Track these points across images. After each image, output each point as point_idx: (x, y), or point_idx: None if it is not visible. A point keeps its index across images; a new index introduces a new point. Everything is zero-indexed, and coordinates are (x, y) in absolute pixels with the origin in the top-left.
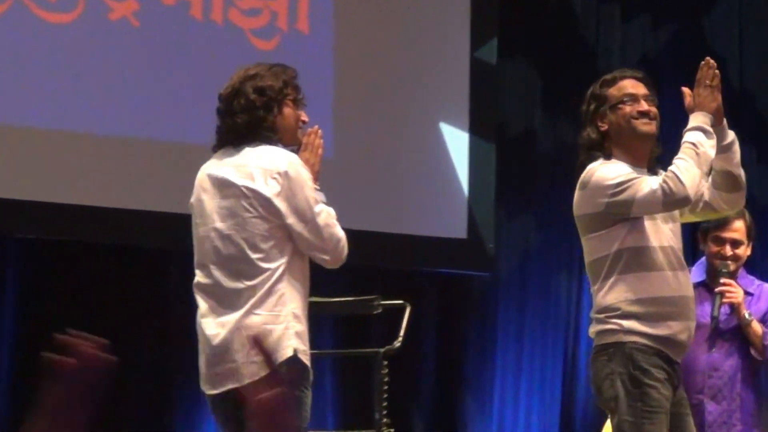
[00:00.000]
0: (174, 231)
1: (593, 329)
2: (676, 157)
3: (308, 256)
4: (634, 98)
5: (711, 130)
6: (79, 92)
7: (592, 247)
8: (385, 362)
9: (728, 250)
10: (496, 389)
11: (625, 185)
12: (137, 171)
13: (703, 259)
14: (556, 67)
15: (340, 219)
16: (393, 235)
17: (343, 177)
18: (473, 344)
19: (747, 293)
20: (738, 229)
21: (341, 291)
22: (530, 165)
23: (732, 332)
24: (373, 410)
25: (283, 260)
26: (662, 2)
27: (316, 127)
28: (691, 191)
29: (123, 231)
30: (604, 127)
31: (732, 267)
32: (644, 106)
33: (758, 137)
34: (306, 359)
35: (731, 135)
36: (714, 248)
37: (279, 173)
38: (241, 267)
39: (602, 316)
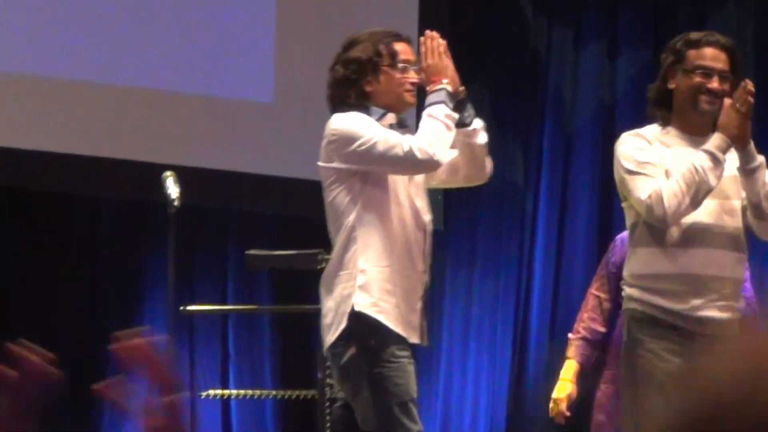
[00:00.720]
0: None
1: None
2: (675, 175)
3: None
4: (707, 72)
5: (722, 157)
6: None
7: (626, 213)
8: None
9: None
10: (443, 349)
11: (632, 174)
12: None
13: None
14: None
15: (280, 166)
16: None
17: (284, 123)
18: None
19: None
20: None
21: (280, 244)
22: None
23: None
24: (314, 369)
25: (350, 218)
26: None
27: (432, 33)
28: (670, 216)
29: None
30: (672, 85)
31: None
32: (714, 83)
33: None
34: (375, 313)
35: (759, 159)
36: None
37: (326, 134)
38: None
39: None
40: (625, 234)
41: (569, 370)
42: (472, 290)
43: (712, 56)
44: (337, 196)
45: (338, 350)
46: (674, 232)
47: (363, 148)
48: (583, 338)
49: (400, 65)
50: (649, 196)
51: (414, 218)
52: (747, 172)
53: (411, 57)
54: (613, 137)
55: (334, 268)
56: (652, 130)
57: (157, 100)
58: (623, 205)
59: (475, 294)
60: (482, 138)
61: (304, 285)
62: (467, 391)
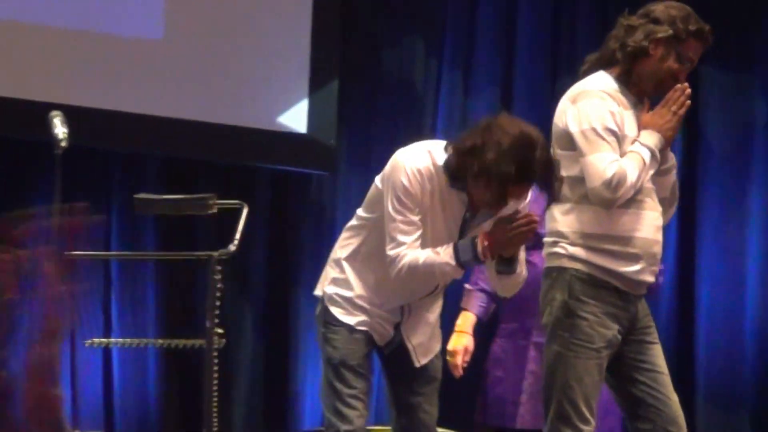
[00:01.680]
0: None
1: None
2: (632, 163)
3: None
4: (687, 64)
5: (658, 157)
6: None
7: (563, 164)
8: (219, 267)
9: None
10: None
11: (598, 138)
12: None
13: None
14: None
15: (167, 105)
16: (225, 126)
17: (174, 61)
18: (309, 248)
19: None
20: None
21: (167, 188)
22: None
23: None
24: (199, 318)
25: (374, 216)
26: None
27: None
28: (616, 204)
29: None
30: (654, 53)
31: None
32: (683, 76)
33: None
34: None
35: (672, 159)
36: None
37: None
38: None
39: (551, 240)
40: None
41: (466, 321)
42: None
43: (696, 50)
44: (377, 198)
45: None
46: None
47: (386, 204)
48: (482, 289)
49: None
50: (613, 176)
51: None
52: (661, 172)
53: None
54: None
55: (341, 244)
56: (610, 84)
57: (44, 36)
58: (562, 153)
59: None
60: (504, 281)
61: (191, 230)
62: None
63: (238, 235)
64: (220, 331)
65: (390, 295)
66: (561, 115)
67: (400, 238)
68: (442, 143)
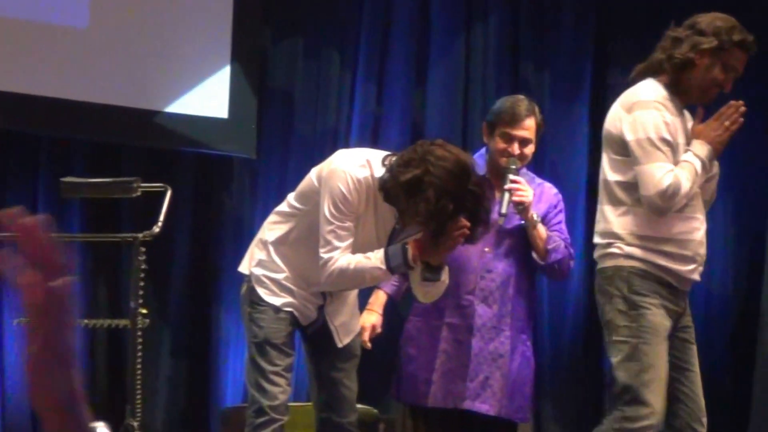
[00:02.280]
0: None
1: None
2: (686, 174)
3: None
4: (732, 73)
5: (708, 168)
6: None
7: (613, 167)
8: (143, 248)
9: (516, 149)
10: None
11: (655, 148)
12: None
13: (483, 151)
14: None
15: (92, 92)
16: (148, 111)
17: (100, 48)
18: (231, 229)
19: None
20: (529, 127)
21: (92, 171)
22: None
23: (510, 233)
24: (124, 299)
25: (307, 208)
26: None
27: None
28: (671, 211)
29: None
30: (700, 62)
31: (519, 165)
32: (728, 86)
33: None
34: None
35: (716, 167)
36: (501, 144)
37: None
38: (289, 203)
39: (605, 241)
40: None
41: (377, 300)
42: None
43: (742, 61)
44: (310, 187)
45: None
46: None
47: (322, 208)
48: None
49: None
50: (670, 185)
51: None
52: (708, 179)
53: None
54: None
55: (269, 226)
56: (661, 93)
57: None
58: (616, 158)
59: None
60: (427, 287)
61: (117, 213)
62: None
63: (161, 217)
64: (144, 311)
65: (315, 282)
66: (615, 121)
67: (335, 242)
68: (381, 154)
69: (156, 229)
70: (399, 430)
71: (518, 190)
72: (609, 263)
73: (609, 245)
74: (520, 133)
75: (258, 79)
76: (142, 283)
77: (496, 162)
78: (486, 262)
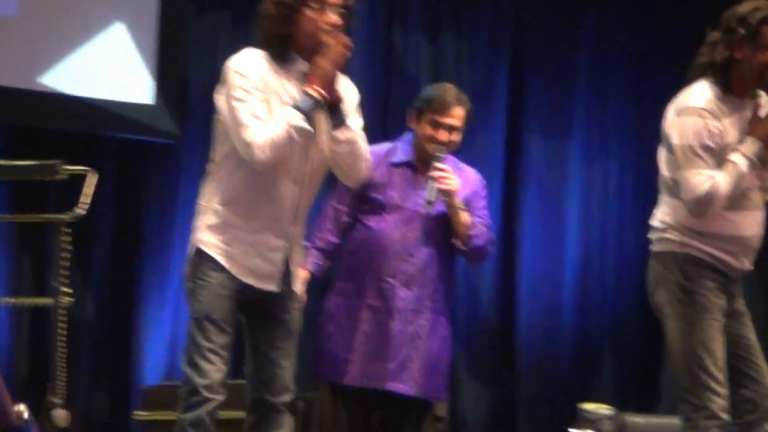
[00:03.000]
0: None
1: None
2: (726, 177)
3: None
4: None
5: (757, 164)
6: None
7: (668, 163)
8: (67, 230)
9: (444, 136)
10: (174, 262)
11: (694, 155)
12: None
13: (409, 136)
14: None
15: (21, 78)
16: (73, 97)
17: (27, 35)
18: (155, 212)
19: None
20: (458, 115)
21: (17, 155)
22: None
23: (433, 218)
24: (49, 279)
25: (225, 149)
26: None
27: (341, 35)
28: (708, 217)
29: None
30: (739, 55)
31: (446, 153)
32: None
33: None
34: (211, 251)
35: None
36: (429, 131)
37: (225, 73)
38: (210, 160)
39: (663, 226)
40: (375, 149)
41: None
42: None
43: None
44: (219, 125)
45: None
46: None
47: (229, 103)
48: (318, 248)
49: (317, 6)
50: (707, 192)
51: (290, 170)
52: (764, 169)
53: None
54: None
55: (201, 193)
56: (709, 96)
57: None
58: (668, 156)
59: None
60: (342, 147)
61: (44, 196)
62: None
63: (86, 200)
64: (67, 290)
65: (265, 219)
66: (667, 123)
67: (252, 120)
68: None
69: (79, 211)
70: (318, 408)
71: (444, 178)
72: (666, 248)
73: (665, 231)
74: (448, 120)
75: (182, 63)
76: (66, 264)
77: (424, 148)
78: (408, 245)
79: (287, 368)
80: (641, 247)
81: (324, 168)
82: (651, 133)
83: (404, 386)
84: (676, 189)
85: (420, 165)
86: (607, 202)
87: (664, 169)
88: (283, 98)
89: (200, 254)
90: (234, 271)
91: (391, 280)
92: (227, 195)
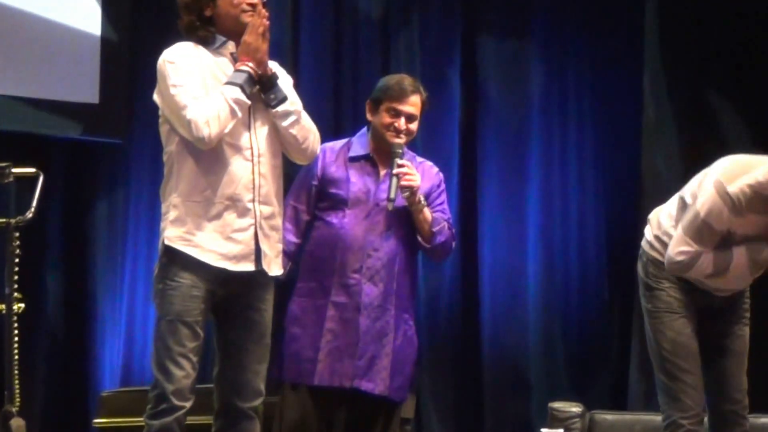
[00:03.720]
0: None
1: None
2: (715, 258)
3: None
4: None
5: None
6: None
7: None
8: (16, 234)
9: (403, 124)
10: (126, 262)
11: (696, 224)
12: None
13: (364, 130)
14: None
15: None
16: (18, 98)
17: None
18: (105, 212)
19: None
20: (415, 103)
21: None
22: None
23: (396, 212)
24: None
25: (171, 147)
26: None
27: (260, 7)
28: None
29: None
30: None
31: (404, 142)
32: None
33: None
34: (177, 244)
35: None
36: (388, 119)
37: (159, 66)
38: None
39: (655, 232)
40: (331, 145)
41: None
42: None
43: None
44: (163, 125)
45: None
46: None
47: (166, 92)
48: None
49: None
50: (682, 262)
51: (241, 149)
52: None
53: None
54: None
55: (161, 199)
56: (748, 193)
57: None
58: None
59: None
60: (286, 121)
61: None
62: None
63: (34, 203)
64: (18, 296)
65: (224, 201)
66: (705, 174)
67: (192, 101)
68: None
69: (29, 215)
70: (281, 412)
71: (406, 174)
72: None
73: (656, 237)
74: (406, 108)
75: (128, 62)
76: (16, 269)
77: (382, 137)
78: (372, 240)
79: (259, 372)
80: (604, 235)
81: (275, 143)
82: (609, 113)
83: (371, 384)
84: (679, 219)
85: (378, 157)
86: (567, 192)
87: (686, 196)
88: (221, 80)
89: (168, 252)
90: (203, 258)
91: (356, 275)
92: (182, 188)
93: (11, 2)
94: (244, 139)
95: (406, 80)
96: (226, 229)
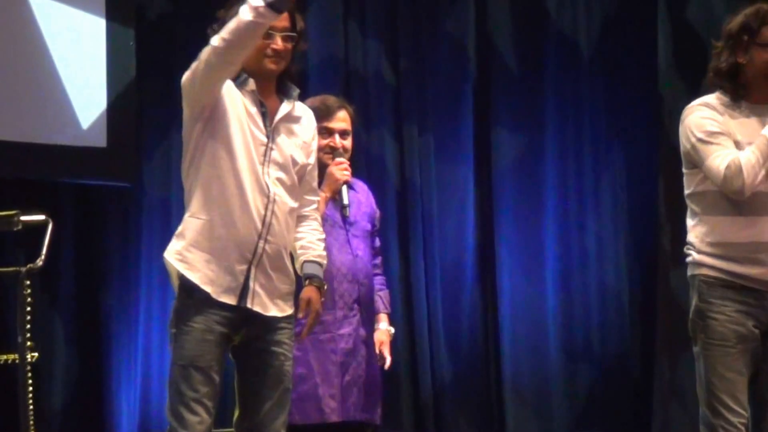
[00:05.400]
0: None
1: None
2: (750, 147)
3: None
4: None
5: None
6: None
7: (685, 181)
8: (27, 282)
9: (338, 141)
10: (140, 306)
11: (705, 144)
12: None
13: None
14: None
15: None
16: (26, 144)
17: None
18: (116, 257)
19: (351, 188)
20: (344, 118)
21: None
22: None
23: (362, 226)
24: (11, 332)
25: (190, 162)
26: None
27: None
28: (747, 188)
29: None
30: (743, 60)
31: (345, 161)
32: None
33: None
34: (171, 258)
35: None
36: (322, 142)
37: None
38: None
39: (686, 249)
40: None
41: None
42: None
43: None
44: (184, 139)
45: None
46: (744, 201)
47: (191, 68)
48: None
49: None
50: (728, 167)
51: (255, 181)
52: None
53: (279, 24)
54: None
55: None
56: (720, 99)
57: None
58: (686, 172)
59: None
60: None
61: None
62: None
63: (44, 250)
64: (31, 344)
65: (228, 227)
66: (680, 138)
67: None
68: None
69: (39, 263)
70: None
71: (344, 169)
72: (688, 272)
73: (688, 253)
74: (337, 125)
75: (135, 105)
76: (28, 317)
77: (321, 161)
78: (360, 268)
79: (277, 418)
80: (623, 265)
81: (295, 191)
82: (626, 138)
83: (374, 415)
84: (694, 205)
85: (325, 180)
86: (584, 214)
87: (685, 189)
88: (246, 112)
89: (167, 268)
90: (190, 276)
91: (352, 304)
92: (193, 203)
93: (15, 46)
94: (260, 172)
95: (330, 98)
96: (222, 256)
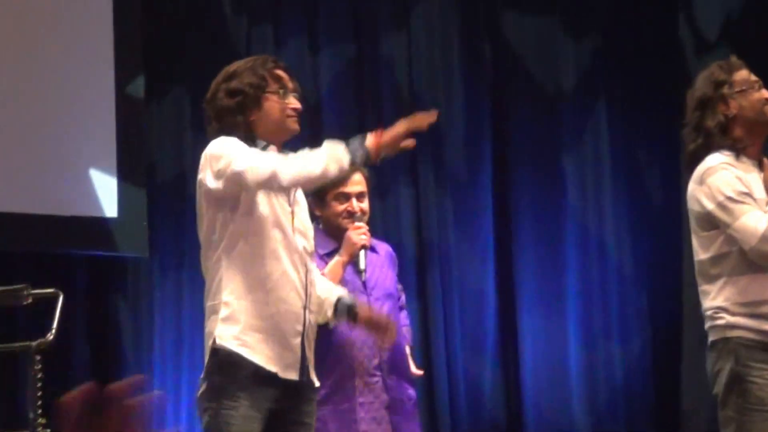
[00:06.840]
0: None
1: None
2: None
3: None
4: (759, 85)
5: None
6: None
7: (700, 245)
8: (38, 357)
9: (355, 205)
10: (155, 378)
11: (736, 203)
12: None
13: (317, 230)
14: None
15: None
16: (36, 216)
17: None
18: (129, 331)
19: (373, 250)
20: (359, 181)
21: None
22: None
23: (384, 288)
24: (22, 408)
25: (222, 245)
26: (318, 26)
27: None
28: None
29: None
30: (734, 110)
31: (364, 224)
32: (765, 93)
33: None
34: (228, 343)
35: None
36: (339, 207)
37: (204, 156)
38: (204, 264)
39: (711, 314)
40: None
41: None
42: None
43: (748, 73)
44: (209, 223)
45: (200, 384)
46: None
47: (224, 164)
48: None
49: (282, 91)
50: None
51: (291, 253)
52: None
53: (291, 83)
54: (320, 134)
55: (205, 299)
56: (725, 159)
57: None
58: (703, 234)
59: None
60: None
61: (11, 320)
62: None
63: (55, 324)
64: (42, 421)
65: (278, 304)
66: (693, 200)
67: (242, 154)
68: None
69: (50, 337)
70: None
71: (364, 234)
72: (718, 335)
73: (714, 318)
74: (353, 188)
75: (145, 175)
76: (39, 392)
77: (339, 227)
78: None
79: None
80: (648, 327)
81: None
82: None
83: None
84: (716, 269)
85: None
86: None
87: (699, 254)
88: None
89: (216, 354)
90: (254, 358)
91: (376, 372)
92: (234, 286)
93: (24, 118)
94: (300, 240)
95: None
96: (278, 333)
